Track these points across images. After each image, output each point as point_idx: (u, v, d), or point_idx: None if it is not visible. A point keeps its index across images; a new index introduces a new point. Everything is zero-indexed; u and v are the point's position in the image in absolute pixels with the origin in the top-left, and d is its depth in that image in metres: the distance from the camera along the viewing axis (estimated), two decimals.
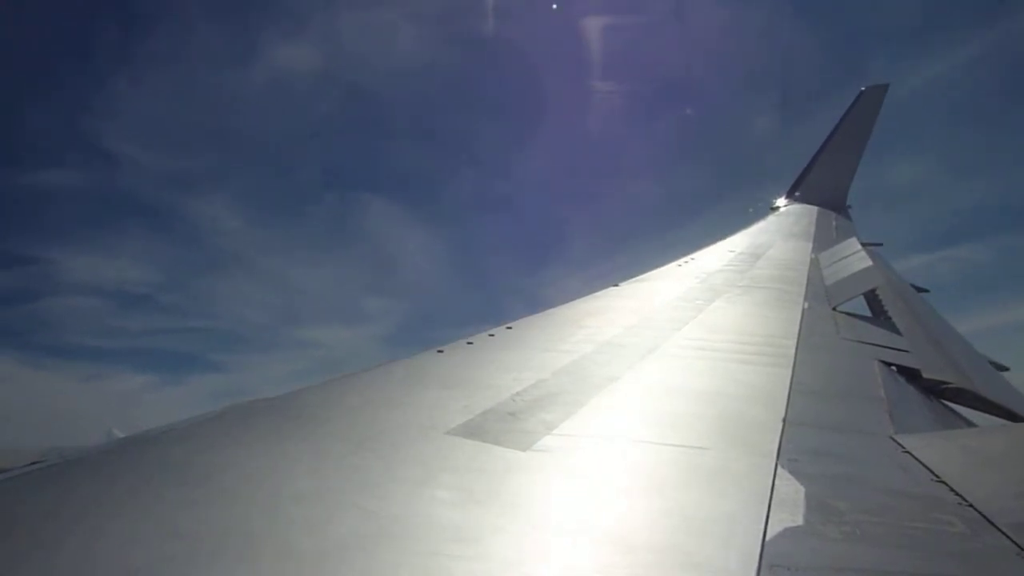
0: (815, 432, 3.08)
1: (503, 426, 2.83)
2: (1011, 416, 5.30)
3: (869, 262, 9.54)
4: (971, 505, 2.19)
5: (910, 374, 5.17)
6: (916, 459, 2.72)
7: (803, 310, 6.64)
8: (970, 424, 4.83)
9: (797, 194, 18.70)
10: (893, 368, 5.09)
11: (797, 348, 4.93)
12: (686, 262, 9.84)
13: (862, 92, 20.84)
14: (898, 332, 6.73)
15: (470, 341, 4.66)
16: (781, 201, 18.34)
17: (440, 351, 4.34)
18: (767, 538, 1.88)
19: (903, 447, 2.89)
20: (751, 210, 17.03)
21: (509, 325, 5.27)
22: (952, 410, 5.02)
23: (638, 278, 8.30)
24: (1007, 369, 9.01)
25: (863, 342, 5.79)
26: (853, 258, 10.01)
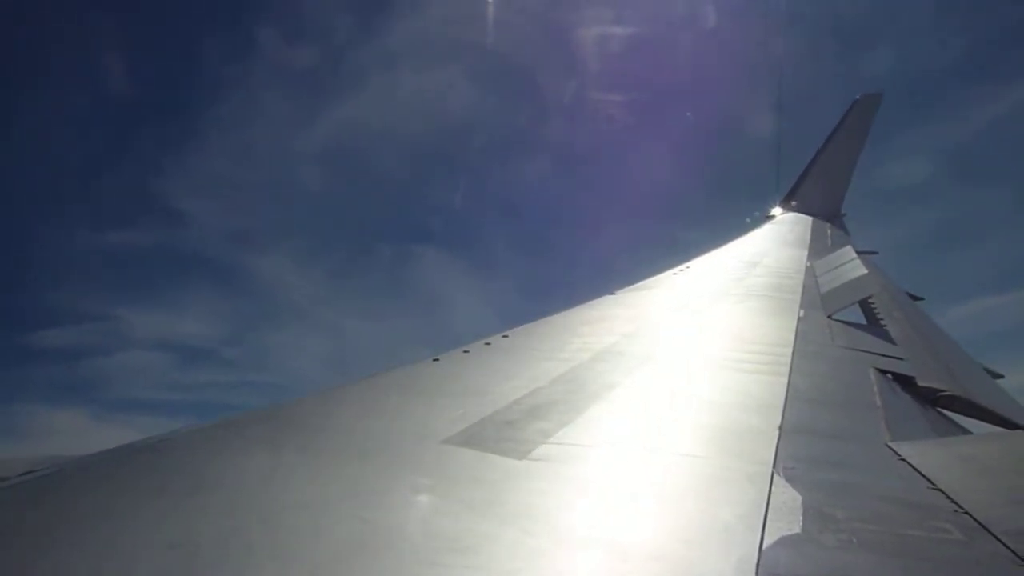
0: (811, 440, 3.08)
1: (499, 435, 2.82)
2: (1006, 423, 5.32)
3: (864, 270, 9.57)
4: (967, 512, 2.19)
5: (905, 382, 5.18)
6: (912, 467, 2.72)
7: (799, 318, 6.66)
8: (965, 431, 4.84)
9: (793, 203, 18.76)
10: (888, 376, 5.10)
11: (793, 356, 4.94)
12: (682, 270, 9.87)
13: (856, 101, 20.96)
14: (893, 340, 6.75)
15: (466, 350, 4.65)
16: (776, 210, 18.40)
17: (436, 360, 4.34)
18: (764, 546, 1.88)
19: (899, 455, 2.89)
20: (748, 220, 17.10)
21: (505, 334, 5.27)
22: (947, 418, 5.03)
23: (634, 286, 8.31)
24: (1002, 376, 9.03)
25: (859, 350, 5.80)
26: (848, 266, 10.05)
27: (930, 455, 2.89)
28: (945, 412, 5.11)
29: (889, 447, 3.03)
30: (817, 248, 13.20)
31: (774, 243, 14.05)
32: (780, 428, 3.13)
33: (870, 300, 8.63)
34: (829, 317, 7.06)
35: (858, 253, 11.82)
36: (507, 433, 2.85)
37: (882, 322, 7.76)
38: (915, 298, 12.39)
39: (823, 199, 18.95)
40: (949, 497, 2.34)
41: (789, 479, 2.44)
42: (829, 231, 16.34)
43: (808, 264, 11.01)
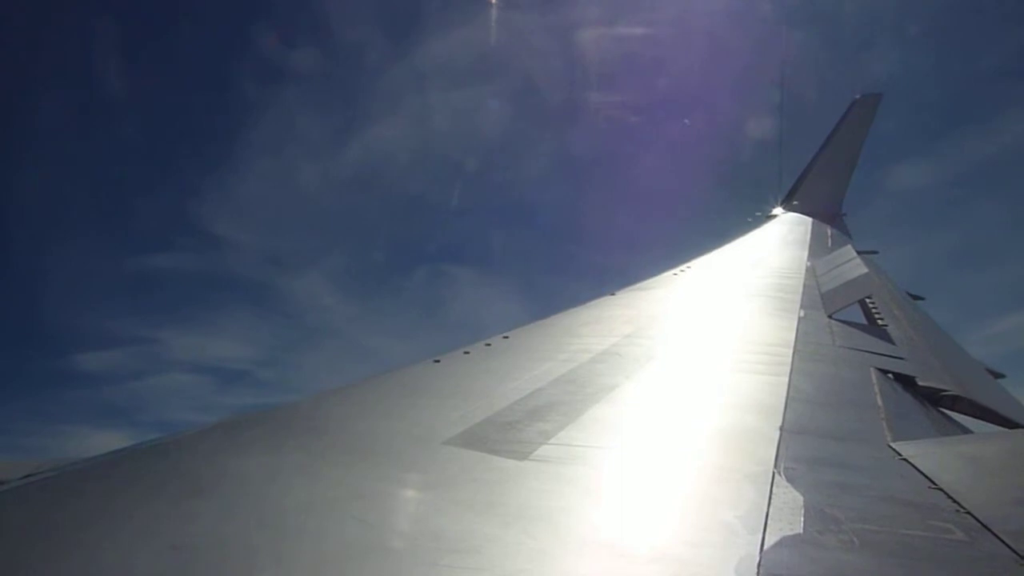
0: (812, 440, 3.08)
1: (500, 436, 2.82)
2: (1007, 423, 5.31)
3: (864, 270, 9.57)
4: (969, 512, 2.19)
5: (906, 382, 5.18)
6: (913, 467, 2.72)
7: (799, 318, 6.65)
8: (967, 431, 4.83)
9: (793, 203, 18.76)
10: (889, 376, 5.10)
11: (794, 356, 4.93)
12: (682, 270, 9.86)
13: (855, 101, 20.96)
14: (893, 340, 6.74)
15: (467, 351, 4.65)
16: (778, 210, 18.40)
17: (437, 361, 4.33)
18: (765, 546, 1.88)
19: (900, 455, 2.89)
20: (750, 220, 17.10)
21: (506, 335, 5.26)
22: (949, 417, 5.02)
23: (634, 287, 8.31)
24: (1003, 376, 9.03)
25: (859, 350, 5.80)
26: (848, 266, 10.04)
27: (931, 455, 2.89)
28: (946, 412, 5.11)
29: (890, 447, 3.03)
30: (817, 248, 13.20)
31: (774, 243, 14.05)
32: (781, 428, 3.12)
33: (870, 300, 8.62)
34: (830, 317, 7.06)
35: (858, 253, 11.82)
36: (508, 434, 2.85)
37: (882, 322, 7.76)
38: (915, 298, 12.39)
39: (823, 199, 18.94)
40: (951, 497, 2.34)
41: (790, 479, 2.44)
42: (829, 231, 16.33)
43: (808, 264, 11.00)
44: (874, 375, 4.88)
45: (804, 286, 8.81)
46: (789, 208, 18.41)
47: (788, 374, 4.33)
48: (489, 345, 4.88)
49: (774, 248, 13.30)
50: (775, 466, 2.59)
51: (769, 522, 2.04)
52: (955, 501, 2.29)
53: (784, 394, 3.81)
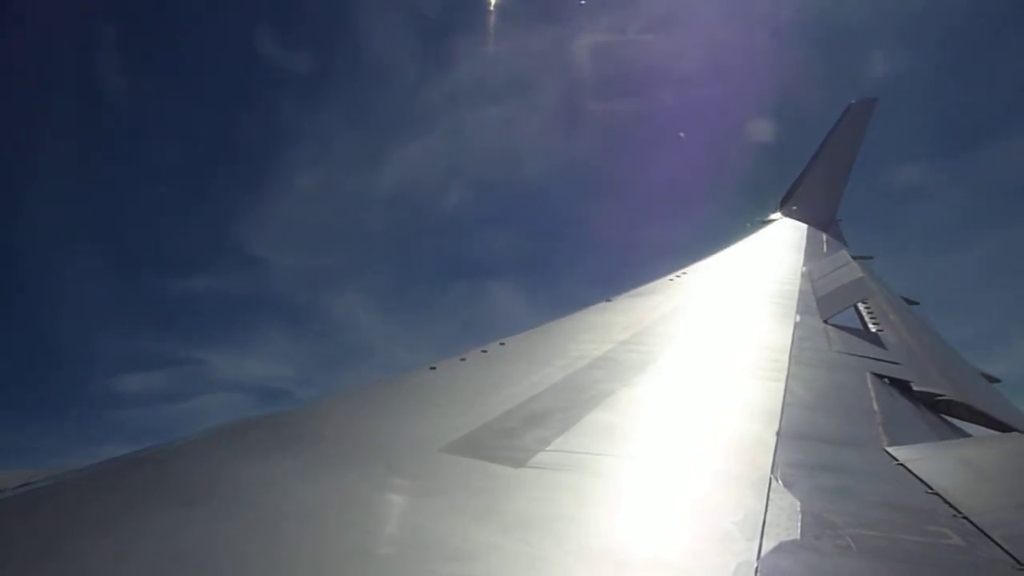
0: (809, 445, 3.09)
1: (497, 442, 2.82)
2: (1003, 428, 5.31)
3: (860, 275, 9.61)
4: (965, 517, 2.19)
5: (902, 386, 5.19)
6: (910, 471, 2.73)
7: (795, 323, 6.67)
8: (963, 436, 4.84)
9: (791, 208, 18.82)
10: (885, 380, 5.11)
11: (790, 361, 4.94)
12: (678, 276, 9.88)
13: (850, 106, 21.02)
14: (889, 344, 6.76)
15: (463, 358, 4.64)
16: (775, 215, 18.46)
17: (433, 368, 4.32)
18: (762, 552, 1.88)
19: (896, 459, 2.89)
20: (749, 225, 17.15)
21: (502, 341, 5.26)
22: (945, 422, 5.03)
23: (630, 293, 8.31)
24: (998, 381, 9.05)
25: (855, 355, 5.81)
26: (844, 271, 10.09)
27: (928, 460, 2.90)
28: (942, 417, 5.12)
29: (887, 452, 3.04)
30: (812, 253, 13.24)
31: (770, 248, 14.09)
32: (778, 434, 3.13)
33: (866, 305, 8.65)
34: (825, 322, 7.08)
35: (853, 258, 11.86)
36: (505, 441, 2.84)
37: (878, 327, 7.78)
38: (910, 302, 12.43)
39: (818, 204, 18.99)
40: (947, 502, 2.34)
41: (787, 485, 2.44)
42: (824, 236, 16.38)
43: (804, 269, 11.04)
44: (870, 380, 4.89)
45: (800, 291, 8.84)
46: (785, 213, 18.47)
47: (785, 379, 4.34)
48: (486, 352, 4.88)
49: (770, 253, 13.34)
50: (772, 471, 2.59)
51: (766, 528, 2.04)
52: (951, 506, 2.30)
53: (781, 399, 3.82)
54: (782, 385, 4.17)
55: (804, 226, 16.91)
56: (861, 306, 8.65)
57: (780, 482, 2.46)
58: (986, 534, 2.05)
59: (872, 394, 4.46)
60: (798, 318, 6.97)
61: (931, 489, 2.49)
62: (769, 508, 2.20)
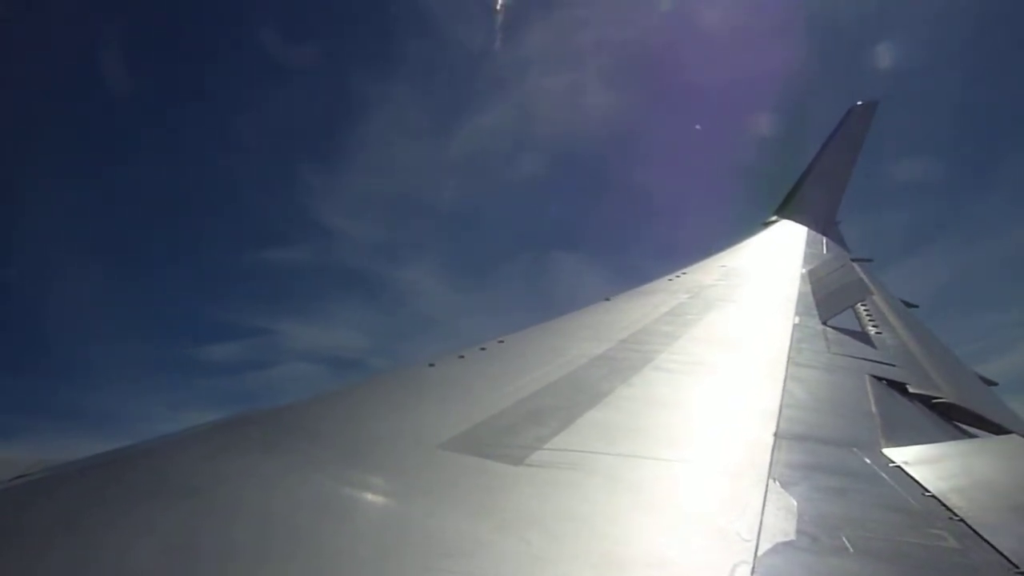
0: (807, 446, 3.09)
1: (495, 440, 2.82)
2: (1000, 430, 5.31)
3: (859, 277, 9.61)
4: (962, 520, 2.19)
5: (900, 388, 5.20)
6: (907, 473, 2.73)
7: (794, 324, 6.68)
8: (960, 438, 4.85)
9: (789, 209, 18.82)
10: (883, 382, 5.12)
11: (788, 363, 4.95)
12: (677, 276, 9.88)
13: (851, 109, 21.02)
14: (887, 347, 6.77)
15: (462, 355, 4.64)
16: (773, 218, 18.46)
17: (431, 365, 4.32)
18: (759, 553, 1.88)
19: (894, 461, 2.90)
20: (748, 226, 17.18)
21: (501, 339, 5.26)
22: (942, 424, 5.04)
23: (629, 292, 8.32)
24: (996, 384, 9.06)
25: (853, 356, 5.82)
26: (843, 273, 10.09)
27: (925, 462, 2.90)
28: (940, 419, 5.13)
29: (884, 453, 3.04)
30: (811, 255, 13.24)
31: (769, 250, 14.09)
32: (775, 435, 3.13)
33: (865, 307, 8.66)
34: (824, 324, 7.08)
35: (853, 260, 11.86)
36: (503, 438, 2.84)
37: (877, 329, 7.79)
38: (909, 305, 12.43)
39: (818, 207, 18.98)
40: (944, 504, 2.34)
41: (784, 485, 2.44)
42: (824, 238, 16.39)
43: (803, 271, 11.04)
44: (868, 381, 4.90)
45: (799, 293, 8.85)
46: (785, 215, 18.47)
47: (783, 380, 4.34)
48: (484, 349, 4.88)
49: (769, 255, 13.35)
50: (769, 472, 2.59)
51: (763, 528, 2.04)
52: (948, 508, 2.30)
53: (779, 400, 3.82)
54: (780, 386, 4.17)
55: (804, 228, 16.92)
56: (860, 308, 8.65)
57: (777, 483, 2.47)
58: (983, 537, 2.05)
59: (870, 396, 4.46)
60: (797, 319, 6.97)
61: (928, 491, 2.49)
62: (766, 509, 2.20)
